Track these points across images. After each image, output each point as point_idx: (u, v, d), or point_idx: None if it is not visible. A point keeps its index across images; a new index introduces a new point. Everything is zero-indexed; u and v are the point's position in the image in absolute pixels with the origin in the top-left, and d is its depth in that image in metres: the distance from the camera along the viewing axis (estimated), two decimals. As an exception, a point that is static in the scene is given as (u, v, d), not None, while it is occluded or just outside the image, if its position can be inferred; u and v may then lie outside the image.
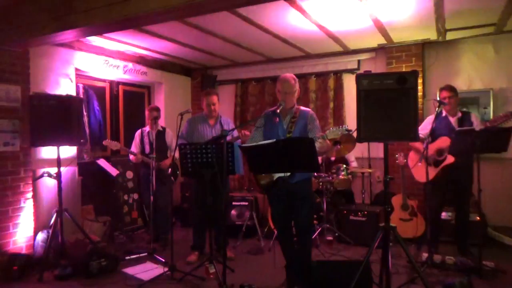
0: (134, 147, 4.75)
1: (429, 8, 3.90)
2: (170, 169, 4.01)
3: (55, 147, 3.91)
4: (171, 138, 4.88)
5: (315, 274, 3.00)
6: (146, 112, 4.80)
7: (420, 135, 3.60)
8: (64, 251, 3.95)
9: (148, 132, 4.75)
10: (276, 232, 4.02)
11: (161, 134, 4.80)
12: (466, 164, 3.85)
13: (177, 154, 3.69)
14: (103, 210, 5.07)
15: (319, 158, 4.28)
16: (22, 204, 4.04)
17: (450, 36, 4.89)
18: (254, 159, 2.76)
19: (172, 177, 4.70)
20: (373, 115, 2.46)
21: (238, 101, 6.60)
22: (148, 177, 4.36)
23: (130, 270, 3.86)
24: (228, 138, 4.06)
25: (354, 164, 5.36)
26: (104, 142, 4.59)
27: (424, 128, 3.92)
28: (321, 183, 4.75)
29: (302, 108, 3.29)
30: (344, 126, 2.95)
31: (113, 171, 4.85)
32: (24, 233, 4.05)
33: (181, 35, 4.78)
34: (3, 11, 3.69)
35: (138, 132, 4.81)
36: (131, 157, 4.70)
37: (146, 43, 5.12)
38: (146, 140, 4.71)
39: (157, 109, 4.78)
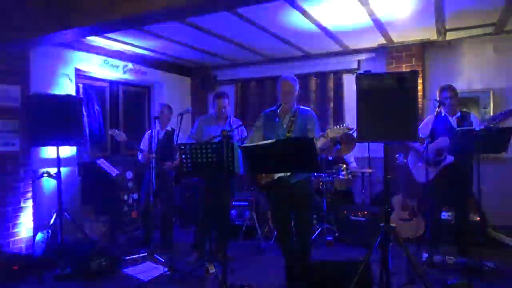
0: (143, 146, 4.69)
1: (429, 8, 3.90)
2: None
3: (55, 147, 3.90)
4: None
5: (315, 274, 3.00)
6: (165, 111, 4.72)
7: (420, 136, 3.62)
8: (64, 251, 3.95)
9: (158, 131, 4.66)
10: (276, 232, 4.02)
11: (169, 135, 4.75)
12: (466, 164, 3.84)
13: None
14: (103, 210, 5.06)
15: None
16: (22, 204, 4.04)
17: (450, 36, 4.89)
18: (253, 159, 2.75)
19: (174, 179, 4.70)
20: (373, 115, 2.46)
21: (238, 101, 6.59)
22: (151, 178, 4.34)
23: (130, 270, 3.86)
24: (236, 139, 4.07)
25: (353, 165, 5.35)
26: (110, 132, 4.54)
27: (424, 129, 3.92)
28: (321, 183, 4.74)
29: (302, 107, 3.29)
30: (345, 124, 2.96)
31: (113, 171, 4.84)
32: (24, 233, 4.04)
33: (181, 35, 4.77)
34: (3, 11, 3.69)
35: (149, 132, 4.75)
36: (140, 156, 4.62)
37: (146, 43, 5.11)
38: (154, 140, 4.64)
39: (169, 108, 4.79)
